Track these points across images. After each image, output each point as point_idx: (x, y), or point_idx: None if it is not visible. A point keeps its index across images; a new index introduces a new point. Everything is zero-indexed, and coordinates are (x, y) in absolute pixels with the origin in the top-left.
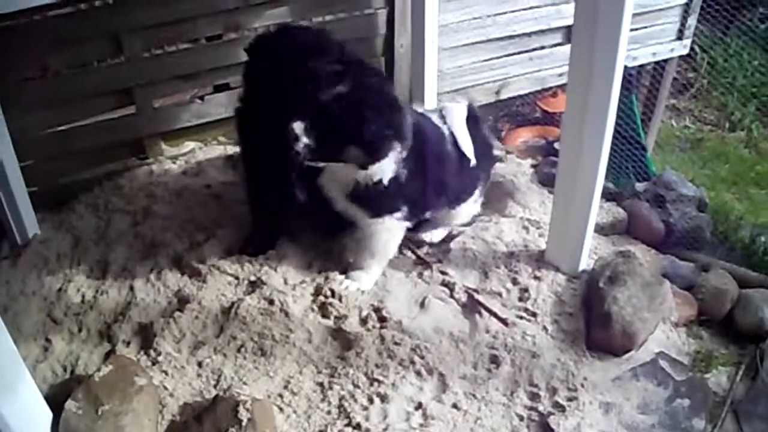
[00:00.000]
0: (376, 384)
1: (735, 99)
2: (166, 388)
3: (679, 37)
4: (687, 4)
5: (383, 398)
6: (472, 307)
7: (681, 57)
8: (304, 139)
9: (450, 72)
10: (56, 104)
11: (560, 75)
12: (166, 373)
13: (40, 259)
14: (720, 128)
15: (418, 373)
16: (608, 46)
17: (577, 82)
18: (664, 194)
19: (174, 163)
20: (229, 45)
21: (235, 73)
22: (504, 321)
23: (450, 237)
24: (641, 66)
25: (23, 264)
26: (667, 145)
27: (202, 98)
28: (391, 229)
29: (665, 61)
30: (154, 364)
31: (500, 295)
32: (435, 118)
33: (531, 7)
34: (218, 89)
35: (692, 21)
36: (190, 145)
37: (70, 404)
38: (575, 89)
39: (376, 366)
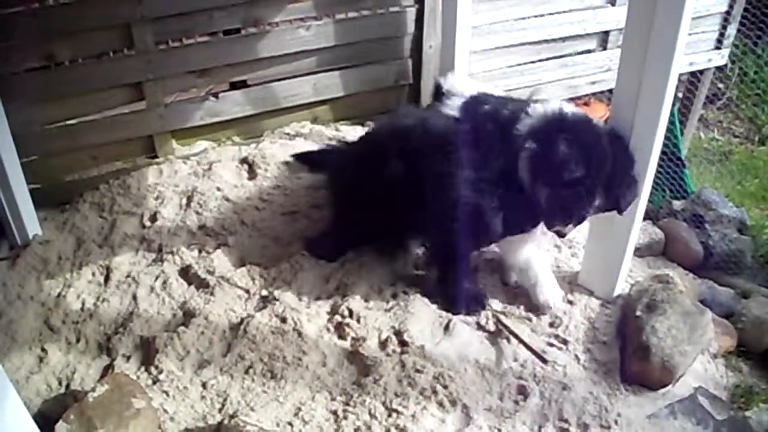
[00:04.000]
0: (394, 415)
1: (765, 112)
2: (166, 411)
3: (718, 47)
4: (727, 12)
5: (402, 431)
6: (499, 333)
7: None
8: None
9: (480, 76)
10: (61, 97)
11: (593, 83)
12: (167, 394)
13: (40, 261)
14: (749, 141)
15: (441, 404)
16: (663, 53)
17: (624, 91)
18: (703, 214)
19: (185, 163)
20: (247, 40)
21: (253, 69)
22: (542, 358)
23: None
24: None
25: (22, 266)
26: (695, 157)
27: (216, 95)
28: None
29: (700, 71)
30: (154, 383)
31: (529, 320)
32: None
33: (569, 11)
34: (234, 86)
35: (732, 30)
36: (202, 144)
37: (60, 427)
38: (622, 99)
39: (395, 395)
